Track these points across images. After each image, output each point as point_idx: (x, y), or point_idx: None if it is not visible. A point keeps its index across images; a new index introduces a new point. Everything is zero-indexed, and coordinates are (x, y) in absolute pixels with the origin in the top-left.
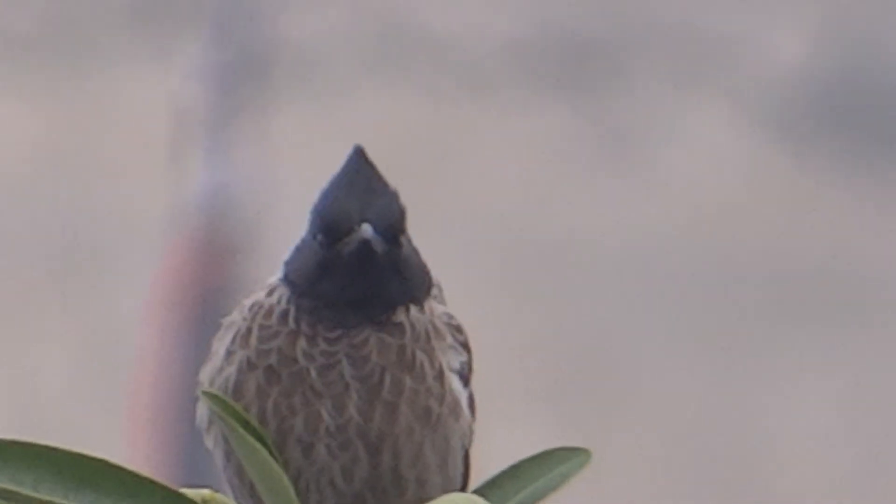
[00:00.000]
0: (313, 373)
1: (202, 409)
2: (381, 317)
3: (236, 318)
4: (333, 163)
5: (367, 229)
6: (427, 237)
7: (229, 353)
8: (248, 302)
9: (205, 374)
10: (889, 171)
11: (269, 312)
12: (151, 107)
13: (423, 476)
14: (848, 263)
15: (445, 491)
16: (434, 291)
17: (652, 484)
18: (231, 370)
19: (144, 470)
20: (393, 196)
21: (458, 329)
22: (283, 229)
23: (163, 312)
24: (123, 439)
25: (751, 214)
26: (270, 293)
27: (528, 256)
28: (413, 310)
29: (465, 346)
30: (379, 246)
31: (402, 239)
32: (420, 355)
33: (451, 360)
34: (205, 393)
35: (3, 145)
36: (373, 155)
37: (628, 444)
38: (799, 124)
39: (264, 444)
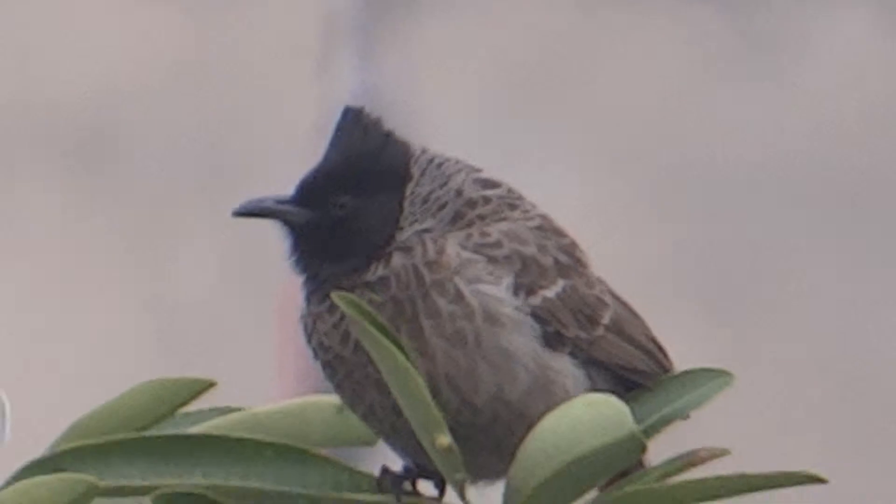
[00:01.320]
0: (337, 347)
1: None
2: (356, 273)
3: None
4: (479, 70)
5: (242, 204)
6: (568, 147)
7: (339, 296)
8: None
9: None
10: None
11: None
12: (300, 13)
13: (498, 395)
14: None
15: (543, 399)
16: (448, 217)
17: (799, 392)
18: (309, 331)
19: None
20: (343, 156)
21: (493, 244)
22: (430, 135)
23: None
24: (270, 346)
25: (895, 121)
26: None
27: (671, 166)
28: (397, 258)
29: (515, 255)
30: (291, 216)
31: (345, 199)
32: (420, 295)
33: (473, 275)
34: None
35: (150, 53)
36: (515, 63)
37: (775, 353)
38: None
39: (399, 346)
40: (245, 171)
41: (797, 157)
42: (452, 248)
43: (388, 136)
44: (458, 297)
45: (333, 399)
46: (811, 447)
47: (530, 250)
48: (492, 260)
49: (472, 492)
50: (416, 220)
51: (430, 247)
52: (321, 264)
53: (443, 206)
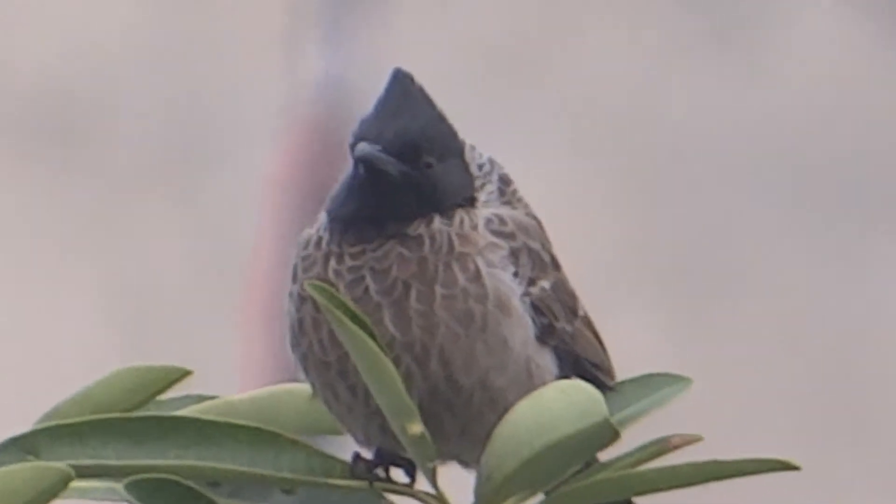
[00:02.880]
0: (342, 288)
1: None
2: (399, 229)
3: (293, 255)
4: (449, 52)
5: (362, 147)
6: (535, 130)
7: (289, 293)
8: (299, 237)
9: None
10: None
11: (308, 242)
12: None
13: (484, 380)
14: None
15: (521, 391)
16: (484, 196)
17: (759, 375)
18: (292, 308)
19: (258, 364)
20: (424, 116)
21: (507, 235)
22: None
23: (277, 204)
24: (238, 333)
25: (863, 103)
26: (314, 224)
27: (637, 152)
28: (437, 221)
29: (524, 247)
30: (388, 165)
31: (431, 157)
32: (444, 264)
33: (493, 259)
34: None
35: (116, 36)
36: (482, 49)
37: (743, 339)
38: None
39: (370, 333)
40: (211, 155)
41: (762, 146)
42: (483, 226)
43: (438, 107)
44: (477, 276)
45: (306, 387)
46: (780, 432)
47: (535, 245)
48: (508, 248)
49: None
50: (482, 187)
51: (466, 220)
52: (383, 211)
53: (490, 180)
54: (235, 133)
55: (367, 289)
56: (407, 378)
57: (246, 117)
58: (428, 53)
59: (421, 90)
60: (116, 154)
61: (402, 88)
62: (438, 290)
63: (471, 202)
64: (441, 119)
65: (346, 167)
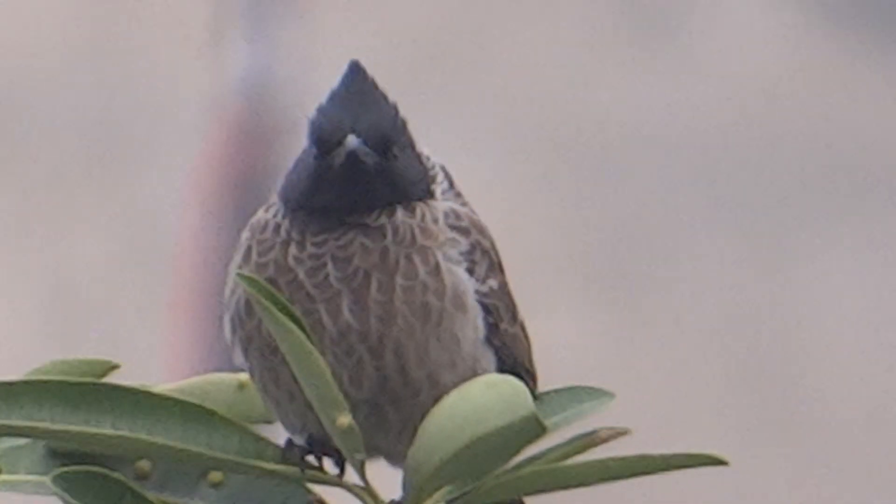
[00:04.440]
0: (301, 274)
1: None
2: (361, 219)
3: (244, 236)
4: (374, 43)
5: (352, 140)
6: (466, 122)
7: (238, 275)
8: (253, 220)
9: (225, 295)
10: None
11: (265, 227)
12: None
13: (433, 375)
14: (887, 145)
15: None
16: (440, 189)
17: (686, 370)
18: (240, 290)
19: (184, 356)
20: (387, 108)
21: (464, 230)
22: None
23: (203, 198)
24: (164, 324)
25: (788, 94)
26: (268, 209)
27: (568, 142)
28: (400, 212)
29: (477, 245)
30: (367, 157)
31: (396, 149)
32: (405, 256)
33: (451, 255)
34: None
35: (42, 32)
36: (409, 40)
37: (665, 331)
38: (839, 1)
39: (301, 326)
40: (139, 147)
41: (690, 138)
42: (442, 220)
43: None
44: (436, 270)
45: (233, 377)
46: (709, 426)
47: (487, 244)
48: (465, 244)
49: (371, 471)
50: (434, 179)
51: (427, 213)
52: (358, 202)
53: (437, 173)
54: (161, 125)
55: (327, 276)
56: (358, 368)
57: (171, 109)
58: (353, 45)
59: (374, 83)
60: (42, 148)
61: (361, 80)
62: (399, 281)
63: (429, 194)
64: (397, 111)
65: (295, 152)
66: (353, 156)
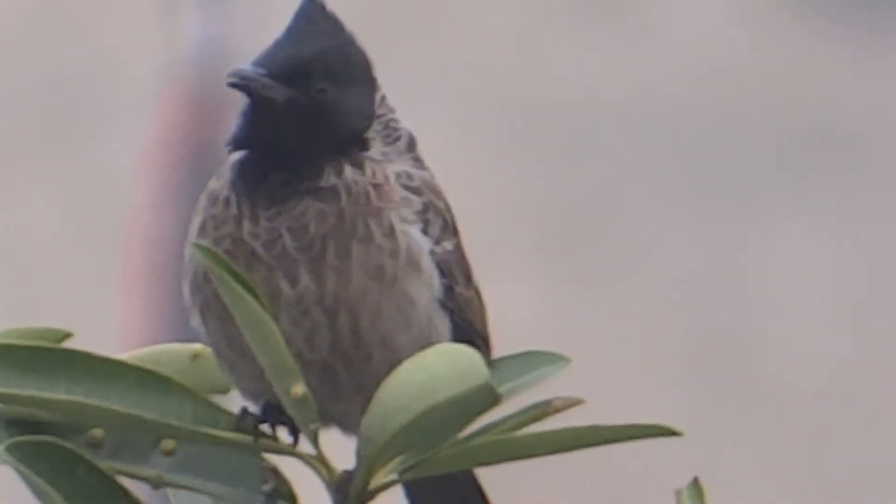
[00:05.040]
0: (259, 248)
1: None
2: (309, 177)
3: (200, 205)
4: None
5: (233, 70)
6: (420, 91)
7: (194, 244)
8: (209, 186)
9: (185, 261)
10: (892, 29)
11: (216, 199)
12: None
13: (387, 336)
14: (848, 121)
15: (417, 351)
16: (386, 147)
17: (643, 340)
18: (198, 256)
19: (137, 326)
20: (322, 43)
21: (416, 190)
22: None
23: (156, 167)
24: (117, 294)
25: (750, 70)
26: (219, 177)
27: (524, 111)
28: (349, 171)
29: (431, 205)
30: (264, 88)
31: (326, 84)
32: (361, 217)
33: (405, 214)
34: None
35: None
36: (365, 8)
37: (622, 300)
38: None
39: (255, 296)
40: (91, 117)
41: (650, 109)
42: (394, 180)
43: (352, 36)
44: (391, 231)
45: (188, 347)
46: (662, 393)
47: (441, 204)
48: (419, 203)
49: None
50: (391, 139)
51: (378, 171)
52: (282, 143)
53: (400, 136)
54: (114, 94)
55: (284, 247)
56: (313, 330)
57: (124, 79)
58: None
59: (331, 17)
60: None
61: (308, 16)
62: (355, 244)
63: (362, 142)
64: (349, 45)
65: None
66: (236, 86)
